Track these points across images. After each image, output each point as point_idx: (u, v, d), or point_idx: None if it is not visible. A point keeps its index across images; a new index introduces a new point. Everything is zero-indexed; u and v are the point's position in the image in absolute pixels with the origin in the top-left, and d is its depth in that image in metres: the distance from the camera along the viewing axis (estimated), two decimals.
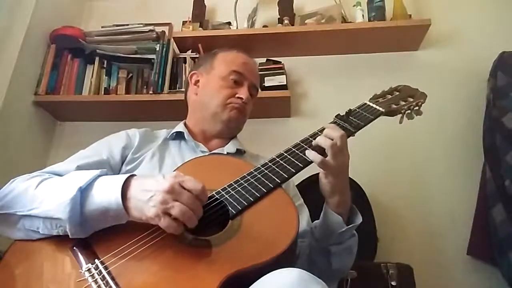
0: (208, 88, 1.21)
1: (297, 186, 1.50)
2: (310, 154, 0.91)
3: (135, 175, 0.81)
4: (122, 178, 0.79)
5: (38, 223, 0.80)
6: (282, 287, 0.66)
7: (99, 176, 0.82)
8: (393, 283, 1.37)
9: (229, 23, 2.12)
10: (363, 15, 2.02)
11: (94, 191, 0.79)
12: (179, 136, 1.20)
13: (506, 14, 2.03)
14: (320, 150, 0.90)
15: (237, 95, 1.17)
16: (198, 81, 1.25)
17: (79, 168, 0.98)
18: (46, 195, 0.82)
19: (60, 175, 0.93)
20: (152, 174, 0.98)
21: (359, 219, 0.95)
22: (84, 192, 0.79)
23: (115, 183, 0.78)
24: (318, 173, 1.58)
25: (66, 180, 0.85)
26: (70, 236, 0.78)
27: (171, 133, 1.20)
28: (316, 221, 0.98)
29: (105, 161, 1.05)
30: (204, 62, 1.27)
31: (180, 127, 1.22)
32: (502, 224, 1.49)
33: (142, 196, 0.75)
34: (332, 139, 0.89)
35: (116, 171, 1.06)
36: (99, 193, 0.78)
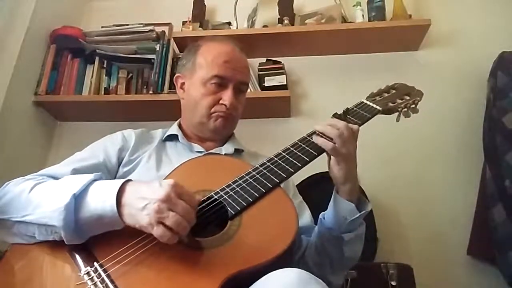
0: (191, 95, 1.16)
1: (297, 185, 1.51)
2: (318, 140, 0.92)
3: (130, 180, 0.80)
4: (117, 183, 0.78)
5: (33, 229, 0.80)
6: (281, 287, 0.65)
7: (94, 181, 0.81)
8: (393, 283, 1.38)
9: (229, 23, 2.12)
10: (363, 15, 2.01)
11: (89, 198, 0.78)
12: (174, 137, 1.18)
13: (506, 14, 2.03)
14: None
15: (220, 102, 1.12)
16: (183, 83, 1.20)
17: (75, 171, 0.97)
18: (40, 200, 0.81)
19: (55, 178, 0.92)
20: (150, 179, 0.97)
21: (369, 206, 0.95)
22: (78, 198, 0.77)
23: (110, 189, 0.77)
24: (318, 173, 1.60)
25: (60, 185, 0.84)
26: (66, 243, 0.77)
27: (165, 135, 1.19)
28: (323, 212, 0.98)
29: (101, 163, 1.04)
30: (187, 61, 1.20)
31: (174, 129, 1.20)
32: (502, 224, 1.49)
33: (136, 204, 0.74)
34: (338, 129, 0.91)
35: (113, 173, 1.06)
36: (93, 199, 0.77)
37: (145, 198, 0.73)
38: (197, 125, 1.16)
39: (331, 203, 0.96)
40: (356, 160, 0.94)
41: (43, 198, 0.81)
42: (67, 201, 0.76)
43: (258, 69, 1.97)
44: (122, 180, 0.79)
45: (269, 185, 0.87)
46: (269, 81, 1.93)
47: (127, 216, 0.75)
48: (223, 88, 1.13)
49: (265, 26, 2.09)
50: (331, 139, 0.90)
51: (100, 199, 0.76)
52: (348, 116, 1.02)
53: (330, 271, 0.96)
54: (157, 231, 0.71)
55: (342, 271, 1.02)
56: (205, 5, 2.19)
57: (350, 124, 0.94)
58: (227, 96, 1.11)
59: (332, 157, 0.92)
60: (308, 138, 0.96)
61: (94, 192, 0.78)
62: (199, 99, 1.13)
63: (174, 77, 1.24)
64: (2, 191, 0.87)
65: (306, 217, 1.08)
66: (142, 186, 0.77)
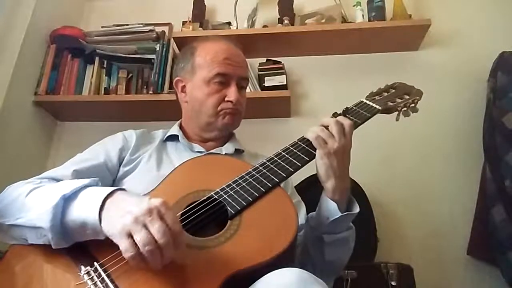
0: (195, 97, 1.15)
1: (297, 186, 1.51)
2: (308, 132, 0.93)
3: (123, 189, 0.79)
4: (106, 191, 0.76)
5: (24, 232, 0.79)
6: (281, 287, 0.65)
7: (87, 186, 0.80)
8: (393, 283, 1.37)
9: (229, 23, 2.12)
10: (363, 15, 2.01)
11: (77, 202, 0.77)
12: (175, 137, 1.19)
13: (506, 14, 2.03)
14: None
15: (226, 99, 1.12)
16: (184, 86, 1.20)
17: (76, 172, 0.98)
18: (33, 203, 0.81)
19: (56, 180, 0.93)
20: (148, 179, 0.97)
21: (355, 209, 0.92)
22: (67, 200, 0.77)
23: (98, 196, 0.75)
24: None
25: (54, 188, 0.83)
26: (53, 246, 0.76)
27: (166, 135, 1.19)
28: (312, 212, 0.97)
29: (102, 164, 1.05)
30: (185, 63, 1.20)
31: (175, 129, 1.20)
32: (502, 224, 1.49)
33: (117, 212, 0.71)
34: (326, 123, 0.92)
35: (114, 173, 1.06)
36: (80, 205, 0.76)
37: (126, 208, 0.70)
38: (205, 125, 1.16)
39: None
40: (345, 158, 0.91)
41: (36, 201, 0.81)
42: (55, 202, 0.75)
43: (258, 69, 1.97)
44: (113, 188, 0.77)
45: (269, 184, 0.87)
46: (269, 81, 1.93)
47: (104, 220, 0.72)
48: (226, 86, 1.13)
49: (265, 26, 2.09)
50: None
51: (87, 205, 0.75)
52: (348, 115, 1.02)
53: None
54: (123, 243, 0.66)
55: (324, 277, 0.96)
56: (205, 5, 2.19)
57: (341, 119, 0.93)
58: (232, 93, 1.12)
59: (317, 151, 0.90)
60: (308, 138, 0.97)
61: (83, 198, 0.77)
62: (204, 99, 1.13)
63: (174, 81, 1.23)
64: (2, 195, 0.88)
65: (301, 216, 1.07)
66: (130, 197, 0.75)
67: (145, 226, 0.66)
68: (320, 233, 0.92)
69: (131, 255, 0.65)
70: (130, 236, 0.66)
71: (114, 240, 0.69)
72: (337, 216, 0.89)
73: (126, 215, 0.68)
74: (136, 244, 0.65)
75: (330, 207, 0.90)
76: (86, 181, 0.81)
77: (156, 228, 0.65)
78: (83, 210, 0.75)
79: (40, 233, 0.77)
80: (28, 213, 0.79)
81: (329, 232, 0.92)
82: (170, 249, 0.66)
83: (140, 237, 0.65)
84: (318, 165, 0.91)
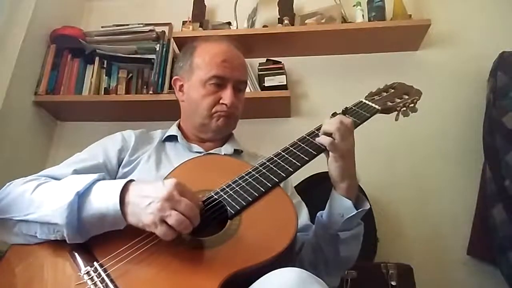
0: (191, 97, 1.16)
1: (298, 185, 1.51)
2: (321, 139, 0.93)
3: (133, 180, 0.80)
4: (121, 183, 0.78)
5: (35, 228, 0.79)
6: (281, 287, 0.65)
7: (97, 180, 0.81)
8: (393, 283, 1.37)
9: (229, 23, 2.12)
10: (363, 15, 2.02)
11: (92, 196, 0.78)
12: (173, 138, 1.19)
13: (506, 14, 2.03)
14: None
15: (221, 101, 1.12)
16: (182, 85, 1.20)
17: (75, 172, 0.97)
18: (43, 199, 0.81)
19: (56, 179, 0.92)
20: (150, 179, 0.97)
21: (366, 205, 0.95)
22: (81, 197, 0.77)
23: (113, 189, 0.77)
24: (317, 173, 1.60)
25: (64, 184, 0.84)
26: (67, 241, 0.77)
27: (165, 136, 1.19)
28: (321, 211, 0.98)
29: (101, 164, 1.04)
30: (184, 63, 1.20)
31: (173, 129, 1.20)
32: (502, 224, 1.49)
33: (140, 203, 0.74)
34: (335, 124, 0.92)
35: (113, 174, 1.06)
36: (97, 198, 0.77)
37: (148, 196, 0.73)
38: (199, 126, 1.16)
39: (328, 201, 0.96)
40: (354, 157, 0.94)
41: (46, 197, 0.81)
42: (71, 199, 0.76)
43: (258, 69, 1.97)
44: (126, 180, 0.79)
45: (269, 184, 0.87)
46: (269, 81, 1.93)
47: (130, 215, 0.75)
48: (222, 88, 1.13)
49: (265, 26, 2.09)
50: (330, 135, 0.91)
51: (104, 198, 0.76)
52: (347, 115, 1.02)
53: (325, 272, 0.95)
54: (159, 230, 0.72)
55: (337, 272, 1.02)
56: (205, 5, 2.19)
57: (343, 118, 0.94)
58: (227, 95, 1.12)
59: (330, 154, 0.92)
60: (308, 137, 0.97)
61: (98, 191, 0.79)
62: (199, 100, 1.13)
63: (172, 80, 1.24)
64: (4, 191, 0.87)
65: (303, 216, 1.09)
66: (145, 185, 0.77)
67: (173, 209, 0.72)
68: (335, 231, 0.93)
69: (170, 237, 0.72)
70: (163, 222, 0.72)
71: (148, 229, 0.74)
72: (354, 213, 0.91)
73: (151, 205, 0.72)
74: (171, 226, 0.71)
75: (346, 205, 0.92)
76: (94, 175, 0.82)
77: (183, 207, 0.72)
78: (100, 204, 0.76)
79: (54, 229, 0.77)
80: (40, 209, 0.79)
81: (344, 229, 0.93)
82: (198, 217, 0.74)
83: (173, 220, 0.71)
84: (332, 168, 0.92)
